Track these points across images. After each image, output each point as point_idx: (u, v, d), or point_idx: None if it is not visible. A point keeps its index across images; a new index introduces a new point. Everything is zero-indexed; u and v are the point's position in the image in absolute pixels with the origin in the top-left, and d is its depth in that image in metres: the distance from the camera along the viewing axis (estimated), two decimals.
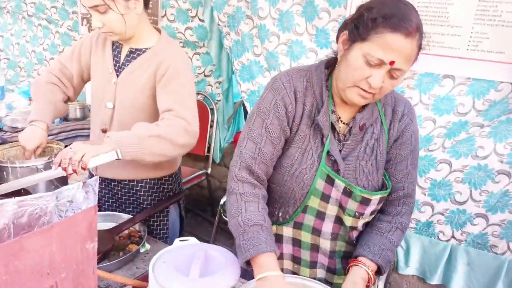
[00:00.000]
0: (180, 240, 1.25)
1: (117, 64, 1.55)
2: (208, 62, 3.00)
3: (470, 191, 1.99)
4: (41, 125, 1.54)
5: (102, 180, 1.67)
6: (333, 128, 1.14)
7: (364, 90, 1.02)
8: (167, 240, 1.73)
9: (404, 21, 0.94)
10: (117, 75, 1.53)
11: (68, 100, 1.71)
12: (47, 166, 1.51)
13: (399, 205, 1.22)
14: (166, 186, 1.71)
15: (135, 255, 1.35)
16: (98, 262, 1.24)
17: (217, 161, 3.30)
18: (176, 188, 1.77)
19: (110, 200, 1.73)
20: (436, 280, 2.21)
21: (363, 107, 1.15)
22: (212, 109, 3.13)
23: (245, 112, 3.27)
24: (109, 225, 1.48)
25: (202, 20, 2.77)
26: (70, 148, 1.24)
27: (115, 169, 1.59)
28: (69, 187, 0.94)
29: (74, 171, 1.23)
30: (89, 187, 0.98)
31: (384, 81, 1.00)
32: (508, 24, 1.82)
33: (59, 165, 1.23)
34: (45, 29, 3.43)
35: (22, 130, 2.62)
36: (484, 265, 2.05)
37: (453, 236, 2.10)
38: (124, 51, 1.55)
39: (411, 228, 2.21)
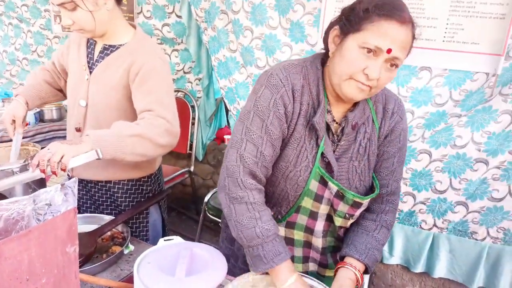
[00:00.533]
0: (164, 240, 1.23)
1: (91, 61, 1.51)
2: (187, 58, 2.96)
3: (450, 180, 2.03)
4: (19, 99, 1.56)
5: (80, 182, 1.63)
6: (327, 128, 1.11)
7: (362, 83, 0.99)
8: (148, 242, 1.70)
9: (397, 9, 0.94)
10: (90, 72, 1.50)
11: (60, 91, 1.72)
12: (23, 169, 1.45)
13: (383, 202, 1.20)
14: (144, 187, 1.67)
15: (118, 257, 1.32)
16: (81, 266, 1.22)
17: (200, 158, 3.27)
18: (156, 189, 1.73)
19: (88, 201, 1.69)
20: (420, 268, 2.25)
21: (355, 105, 1.12)
22: (193, 106, 3.10)
23: (227, 109, 3.25)
24: (91, 227, 1.44)
25: (179, 16, 2.73)
26: (48, 149, 1.19)
27: (92, 169, 1.55)
28: (47, 189, 0.91)
29: (54, 172, 1.18)
30: (67, 189, 0.95)
31: (381, 72, 0.98)
32: (482, 15, 1.85)
33: (37, 167, 1.19)
34: (16, 28, 3.32)
35: None
36: (465, 252, 2.10)
37: (435, 225, 2.15)
38: (98, 48, 1.51)
39: None
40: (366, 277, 2.12)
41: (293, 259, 1.25)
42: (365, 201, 1.12)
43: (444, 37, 1.97)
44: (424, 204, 2.13)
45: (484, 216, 2.02)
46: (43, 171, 1.18)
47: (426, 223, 2.16)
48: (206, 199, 2.65)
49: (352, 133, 1.12)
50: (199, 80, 3.07)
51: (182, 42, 2.87)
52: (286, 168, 1.11)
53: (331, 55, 1.05)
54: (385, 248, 2.30)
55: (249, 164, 1.05)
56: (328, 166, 1.11)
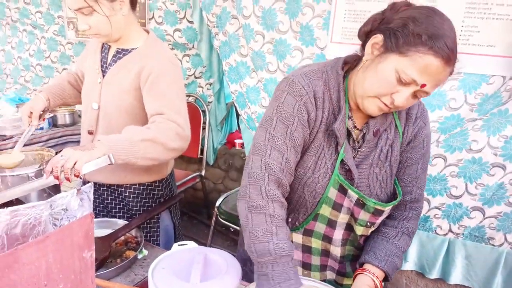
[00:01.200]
0: (178, 245, 1.22)
1: (104, 65, 1.54)
2: (198, 63, 2.97)
3: (466, 184, 1.99)
4: (41, 94, 1.60)
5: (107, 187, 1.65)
6: (348, 134, 1.09)
7: (386, 105, 0.97)
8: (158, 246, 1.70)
9: (448, 46, 0.89)
10: (103, 75, 1.52)
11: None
12: (38, 174, 1.47)
13: (405, 209, 1.18)
14: (156, 192, 1.67)
15: (133, 262, 1.32)
16: (96, 270, 1.22)
17: (211, 163, 3.27)
18: (167, 194, 1.73)
19: (100, 205, 1.70)
20: (435, 274, 2.21)
21: None
22: (204, 111, 3.11)
23: (237, 113, 3.25)
24: (104, 231, 1.45)
25: (190, 22, 2.74)
26: (61, 155, 1.20)
27: (103, 173, 1.55)
28: (63, 195, 0.92)
29: (67, 179, 1.19)
30: (83, 194, 0.96)
31: (407, 99, 0.96)
32: (499, 17, 1.82)
33: (51, 173, 1.19)
34: (30, 35, 3.38)
35: (10, 138, 2.59)
36: (482, 258, 2.06)
37: (450, 230, 2.11)
38: (112, 52, 1.54)
39: None
40: None
41: (310, 267, 1.23)
42: (387, 209, 1.10)
43: (459, 39, 1.93)
44: (439, 209, 2.09)
45: (501, 221, 1.98)
46: (56, 178, 1.19)
47: (441, 228, 2.12)
48: (217, 204, 2.64)
49: (374, 140, 1.10)
50: (210, 84, 3.08)
51: (193, 47, 2.89)
52: (304, 175, 1.09)
53: (364, 62, 1.01)
54: None
55: (275, 172, 1.01)
56: (348, 174, 1.09)
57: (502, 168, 1.89)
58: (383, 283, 1.11)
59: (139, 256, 1.36)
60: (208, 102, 3.13)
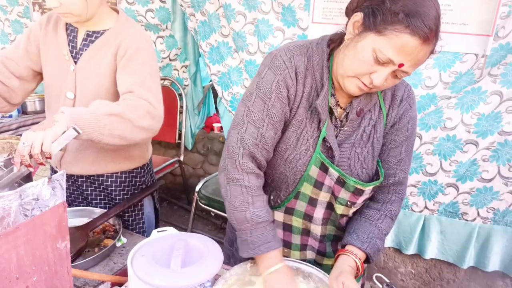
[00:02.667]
0: (158, 231, 1.20)
1: (74, 50, 1.42)
2: (173, 45, 2.89)
3: (441, 162, 2.04)
4: None
5: (69, 177, 1.55)
6: (330, 112, 1.08)
7: (365, 85, 0.96)
8: (144, 234, 1.67)
9: (426, 24, 0.86)
10: (75, 62, 1.41)
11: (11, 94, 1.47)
12: (8, 163, 1.40)
13: (389, 192, 1.17)
14: (138, 179, 1.62)
15: (111, 250, 1.29)
16: (73, 261, 1.18)
17: (189, 147, 3.23)
18: (148, 180, 1.69)
19: (80, 197, 1.62)
20: (411, 250, 2.28)
21: None
22: (180, 95, 3.04)
23: (215, 96, 3.20)
24: (82, 220, 1.41)
25: (163, 2, 2.65)
26: (23, 142, 1.08)
27: (81, 164, 1.49)
28: (34, 184, 0.87)
29: (40, 163, 1.12)
30: (55, 183, 0.92)
31: (386, 79, 0.94)
32: None
33: (21, 164, 1.13)
34: None
35: None
36: (456, 232, 2.13)
37: (426, 207, 2.16)
38: (80, 35, 1.42)
39: None
40: None
41: (290, 246, 1.23)
42: (367, 189, 1.10)
43: None
44: (415, 187, 2.14)
45: (474, 197, 2.04)
46: (29, 166, 1.12)
47: (417, 205, 2.18)
48: (197, 188, 2.62)
49: (357, 119, 1.09)
50: (185, 67, 3.01)
51: (167, 28, 2.80)
52: (286, 151, 1.09)
53: (346, 41, 0.99)
54: None
55: (249, 146, 1.04)
56: (329, 152, 1.09)
57: (475, 144, 1.94)
58: (364, 265, 1.12)
59: (118, 244, 1.33)
60: (184, 85, 3.07)
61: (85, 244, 1.25)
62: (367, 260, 1.13)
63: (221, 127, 3.20)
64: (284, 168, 1.10)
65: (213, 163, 3.32)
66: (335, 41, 1.08)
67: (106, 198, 1.60)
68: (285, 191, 1.15)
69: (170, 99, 3.01)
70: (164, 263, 1.03)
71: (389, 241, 2.32)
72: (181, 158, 3.08)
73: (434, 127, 2.00)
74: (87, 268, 1.19)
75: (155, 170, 2.71)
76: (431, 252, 2.22)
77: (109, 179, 1.57)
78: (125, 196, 1.61)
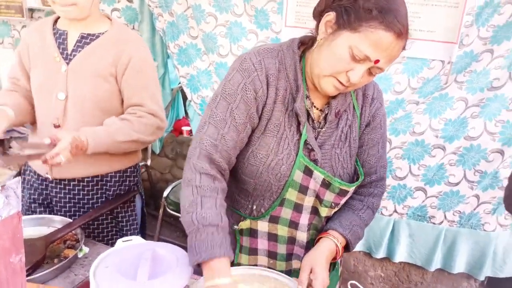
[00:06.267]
0: (123, 241, 1.13)
1: (65, 52, 1.40)
2: None
3: (410, 166, 2.07)
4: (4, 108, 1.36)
5: (57, 183, 1.48)
6: (307, 114, 1.07)
7: (341, 84, 0.96)
8: (138, 235, 1.61)
9: (398, 20, 0.88)
10: (67, 63, 1.39)
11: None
12: None
13: (371, 187, 1.20)
14: (131, 178, 1.60)
15: (72, 261, 1.21)
16: (29, 274, 1.10)
17: (157, 151, 3.13)
18: (139, 180, 1.67)
19: (72, 201, 1.52)
20: (381, 253, 2.30)
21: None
22: None
23: (184, 99, 3.13)
24: (40, 230, 1.32)
25: (130, 1, 2.57)
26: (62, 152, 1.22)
27: (76, 167, 1.43)
28: None
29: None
30: (9, 191, 0.84)
31: (362, 76, 0.95)
32: (438, 3, 1.89)
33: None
34: None
35: None
36: (424, 236, 2.17)
37: (395, 211, 2.19)
38: (73, 37, 1.41)
39: None
40: None
41: (276, 256, 1.19)
42: (351, 189, 1.10)
43: None
44: (385, 191, 2.16)
45: (441, 200, 2.08)
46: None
47: (387, 209, 2.20)
48: (165, 194, 2.54)
49: (335, 121, 1.10)
50: None
51: (133, 28, 2.71)
52: (267, 157, 1.05)
53: (319, 41, 0.99)
54: None
55: (206, 147, 1.00)
56: (311, 154, 1.08)
57: (442, 149, 1.99)
58: (344, 252, 1.13)
59: (80, 255, 1.25)
60: None
61: (43, 257, 1.17)
62: (347, 248, 1.14)
63: (191, 131, 3.13)
64: (268, 175, 1.06)
65: (182, 167, 3.22)
66: (305, 43, 1.08)
67: (100, 200, 1.53)
68: (269, 199, 1.11)
69: None
70: (130, 275, 0.97)
71: (359, 245, 2.34)
72: (148, 162, 2.98)
73: (404, 132, 2.03)
74: (45, 282, 1.12)
75: None
76: (400, 255, 2.25)
77: (104, 178, 1.52)
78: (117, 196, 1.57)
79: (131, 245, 1.11)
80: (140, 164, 2.89)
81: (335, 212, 1.17)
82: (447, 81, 1.95)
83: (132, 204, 1.61)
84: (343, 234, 1.10)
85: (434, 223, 2.13)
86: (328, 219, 1.18)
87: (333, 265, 1.25)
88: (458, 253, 2.11)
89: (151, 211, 3.26)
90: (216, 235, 0.93)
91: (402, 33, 0.90)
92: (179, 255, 1.07)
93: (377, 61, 0.91)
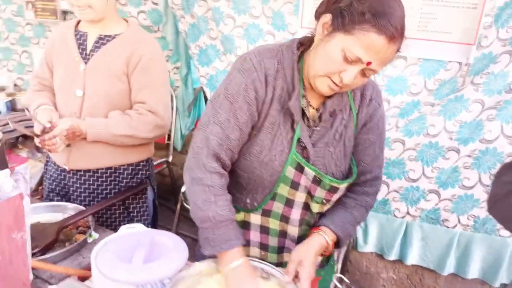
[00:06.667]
0: (126, 228, 1.20)
1: (84, 52, 1.52)
2: (164, 47, 2.90)
3: (423, 168, 2.04)
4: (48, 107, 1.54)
5: (74, 174, 1.60)
6: (303, 113, 1.10)
7: (335, 84, 0.99)
8: (148, 226, 1.69)
9: (391, 24, 0.89)
10: (85, 63, 1.50)
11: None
12: None
13: (366, 186, 1.22)
14: (144, 172, 1.69)
15: (82, 245, 1.30)
16: (42, 255, 1.19)
17: (179, 149, 3.23)
18: (151, 174, 1.76)
19: (87, 191, 1.63)
20: (393, 256, 2.28)
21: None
22: (171, 96, 3.05)
23: (206, 98, 3.21)
24: (55, 216, 1.43)
25: (155, 3, 2.67)
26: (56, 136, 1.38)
27: (90, 158, 1.55)
28: None
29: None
30: (18, 175, 0.93)
31: (355, 77, 0.97)
32: (455, 4, 1.86)
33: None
34: None
35: None
36: (437, 239, 2.13)
37: (408, 213, 2.17)
38: (92, 38, 1.52)
39: None
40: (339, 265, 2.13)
41: (268, 248, 1.23)
42: (342, 186, 1.12)
43: (419, 26, 1.97)
44: (398, 192, 2.14)
45: (455, 204, 2.04)
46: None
47: (399, 211, 2.18)
48: (183, 189, 2.62)
49: (330, 120, 1.12)
50: (177, 69, 3.02)
51: (158, 30, 2.82)
52: (261, 153, 1.10)
53: (316, 42, 1.02)
54: (360, 236, 2.32)
55: (213, 146, 1.05)
56: (304, 152, 1.11)
57: (456, 152, 1.95)
58: (335, 249, 1.16)
59: (89, 240, 1.34)
60: (176, 86, 3.08)
61: (53, 241, 1.26)
62: (337, 245, 1.16)
63: None
64: (260, 170, 1.11)
65: None
66: (305, 44, 1.10)
67: (112, 191, 1.63)
68: (262, 193, 1.15)
69: None
70: (127, 259, 1.04)
71: (371, 246, 2.32)
72: (170, 159, 3.08)
73: (417, 133, 2.01)
74: (56, 262, 1.20)
75: None
76: (413, 258, 2.21)
77: (117, 170, 1.62)
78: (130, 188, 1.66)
79: (133, 232, 1.18)
80: (162, 160, 3.02)
81: (328, 209, 1.19)
82: (464, 83, 1.91)
83: (144, 196, 1.70)
84: (334, 231, 1.13)
85: (447, 227, 2.09)
86: (321, 215, 1.20)
87: (326, 259, 1.27)
88: (472, 258, 2.06)
89: (171, 206, 3.36)
90: (231, 229, 1.05)
91: (395, 36, 0.90)
92: (176, 242, 1.13)
93: (369, 63, 0.93)
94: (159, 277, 1.00)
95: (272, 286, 1.07)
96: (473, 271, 2.10)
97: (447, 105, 1.94)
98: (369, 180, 1.21)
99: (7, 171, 0.90)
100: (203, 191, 1.04)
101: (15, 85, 3.27)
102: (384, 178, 2.15)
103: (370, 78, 1.17)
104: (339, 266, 1.40)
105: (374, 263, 2.39)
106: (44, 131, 1.39)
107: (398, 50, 0.97)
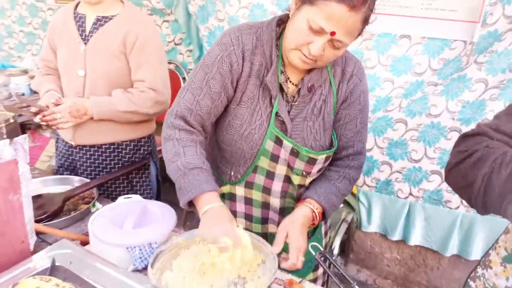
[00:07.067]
0: (124, 198, 1.30)
1: (84, 33, 1.59)
2: (178, 29, 2.97)
3: (425, 148, 2.04)
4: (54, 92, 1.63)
5: (80, 149, 1.70)
6: (282, 88, 1.13)
7: (306, 56, 1.01)
8: (152, 199, 1.75)
9: None
10: (85, 43, 1.57)
11: None
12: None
13: (348, 160, 1.24)
14: (146, 147, 1.78)
15: (85, 214, 1.39)
16: (49, 221, 1.30)
17: None
18: (154, 151, 1.84)
19: (92, 165, 1.73)
20: (396, 236, 2.30)
21: (312, 68, 1.14)
22: (184, 78, 3.13)
23: None
24: (63, 188, 1.53)
25: None
26: (60, 112, 1.48)
27: (95, 135, 1.65)
28: None
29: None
30: (17, 145, 1.02)
31: (325, 49, 0.99)
32: None
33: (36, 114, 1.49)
34: (12, 1, 3.38)
35: None
36: (439, 220, 2.13)
37: (410, 193, 2.17)
38: (90, 20, 1.59)
39: (372, 187, 2.27)
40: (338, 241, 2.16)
41: (252, 219, 1.29)
42: (320, 157, 1.16)
43: (422, 4, 1.95)
44: (400, 173, 2.15)
45: None
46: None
47: (402, 192, 2.19)
48: None
49: (308, 95, 1.15)
50: (190, 51, 3.08)
51: (171, 12, 2.88)
52: (241, 127, 1.15)
53: (290, 17, 1.05)
54: (363, 216, 2.35)
55: (182, 109, 1.11)
56: (282, 126, 1.15)
57: (458, 132, 1.93)
58: (321, 221, 1.18)
59: (93, 209, 1.44)
60: (189, 69, 3.15)
61: (59, 208, 1.36)
62: (323, 216, 1.19)
63: None
64: (241, 143, 1.16)
65: None
66: (285, 21, 1.13)
67: (116, 165, 1.73)
68: (244, 166, 1.21)
69: (174, 82, 3.09)
70: (119, 224, 1.13)
71: (375, 226, 2.35)
72: None
73: (419, 113, 2.00)
74: (61, 228, 1.30)
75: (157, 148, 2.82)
76: (416, 238, 2.23)
77: (120, 146, 1.71)
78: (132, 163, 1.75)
79: (128, 201, 1.27)
80: None
81: (311, 182, 1.23)
82: (468, 62, 1.88)
83: (147, 171, 1.79)
84: (317, 200, 1.16)
85: (450, 208, 2.09)
86: (306, 188, 1.24)
87: (312, 231, 1.32)
88: (475, 240, 2.06)
89: None
90: (202, 175, 1.05)
91: (355, 6, 0.92)
92: (166, 211, 1.21)
93: (333, 33, 0.95)
94: (147, 241, 1.08)
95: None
96: (476, 252, 2.09)
97: (449, 84, 1.92)
98: (351, 154, 1.23)
99: (6, 141, 0.99)
100: (173, 145, 1.08)
101: (38, 68, 3.43)
102: (387, 159, 2.17)
103: (353, 55, 1.21)
104: (326, 241, 1.42)
105: (378, 243, 2.42)
106: (41, 110, 1.50)
107: (365, 21, 0.98)
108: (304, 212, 1.15)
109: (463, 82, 1.87)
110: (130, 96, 1.55)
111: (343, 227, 2.17)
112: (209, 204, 1.02)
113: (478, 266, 1.04)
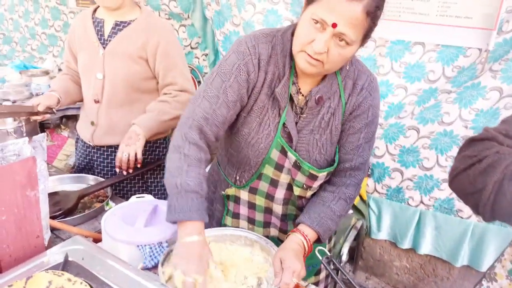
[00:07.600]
0: (136, 197, 1.33)
1: (102, 38, 1.65)
2: (194, 34, 3.02)
3: (437, 157, 2.03)
4: (55, 93, 1.69)
5: (98, 149, 1.76)
6: (292, 99, 1.12)
7: (310, 56, 0.99)
8: (166, 199, 1.81)
9: None
10: (104, 47, 1.63)
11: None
12: (18, 130, 1.60)
13: (345, 176, 1.21)
14: (161, 149, 1.82)
15: (99, 212, 1.44)
16: (62, 218, 1.34)
17: None
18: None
19: (109, 165, 1.78)
20: (406, 244, 2.28)
21: (323, 79, 1.12)
22: (199, 82, 3.17)
23: None
24: (79, 186, 1.59)
25: None
26: (124, 153, 1.52)
27: (113, 136, 1.69)
28: (15, 141, 1.01)
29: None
30: (36, 143, 1.06)
31: (329, 48, 0.98)
32: None
33: (120, 168, 1.53)
34: (35, 4, 3.49)
35: (14, 102, 2.74)
36: (450, 229, 2.11)
37: (421, 202, 2.16)
38: (109, 25, 1.65)
39: (382, 194, 2.27)
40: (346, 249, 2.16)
41: (254, 222, 1.31)
42: (321, 174, 1.15)
43: (438, 11, 1.94)
44: (411, 180, 2.14)
45: None
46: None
47: (413, 199, 2.18)
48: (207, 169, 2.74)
49: (316, 107, 1.14)
50: (205, 55, 3.13)
51: (188, 17, 2.93)
52: (249, 135, 1.16)
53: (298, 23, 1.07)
54: (373, 223, 2.34)
55: (199, 119, 1.07)
56: (289, 137, 1.15)
57: None
58: (313, 246, 1.15)
59: (106, 208, 1.48)
60: (204, 73, 3.19)
61: (74, 206, 1.41)
62: (319, 240, 1.17)
63: None
64: (247, 151, 1.17)
65: None
66: None
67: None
68: (249, 172, 1.22)
69: None
70: (131, 222, 1.16)
71: (385, 234, 2.34)
72: None
73: (432, 121, 1.99)
74: (75, 225, 1.34)
75: None
76: (426, 247, 2.21)
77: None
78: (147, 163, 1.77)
79: (141, 200, 1.31)
80: None
81: (308, 204, 1.22)
82: (483, 70, 1.87)
83: (162, 172, 1.83)
84: (311, 226, 1.14)
85: (461, 217, 2.07)
86: (307, 202, 1.24)
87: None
88: (486, 250, 2.03)
89: None
90: (195, 201, 1.01)
91: None
92: None
93: (334, 25, 0.94)
94: (157, 240, 1.11)
95: (255, 251, 1.15)
96: (488, 264, 2.06)
97: (463, 92, 1.91)
98: (348, 169, 1.19)
99: (25, 139, 1.03)
100: (179, 159, 1.05)
101: (59, 69, 3.53)
102: (398, 166, 2.16)
103: (367, 68, 1.18)
104: (330, 246, 1.43)
105: (388, 250, 2.41)
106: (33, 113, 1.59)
107: (369, 15, 0.95)
108: (296, 240, 1.12)
109: (477, 90, 1.86)
110: (167, 104, 1.61)
111: (352, 234, 2.17)
112: (191, 236, 0.99)
113: (483, 279, 1.02)
